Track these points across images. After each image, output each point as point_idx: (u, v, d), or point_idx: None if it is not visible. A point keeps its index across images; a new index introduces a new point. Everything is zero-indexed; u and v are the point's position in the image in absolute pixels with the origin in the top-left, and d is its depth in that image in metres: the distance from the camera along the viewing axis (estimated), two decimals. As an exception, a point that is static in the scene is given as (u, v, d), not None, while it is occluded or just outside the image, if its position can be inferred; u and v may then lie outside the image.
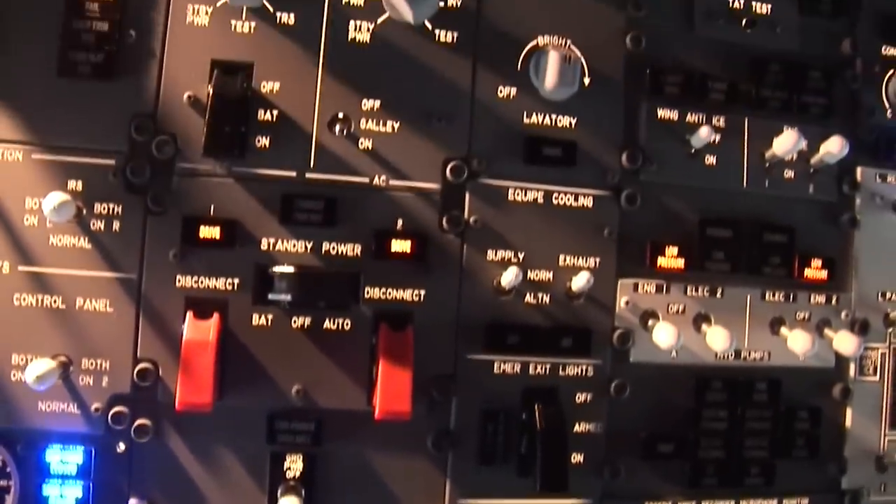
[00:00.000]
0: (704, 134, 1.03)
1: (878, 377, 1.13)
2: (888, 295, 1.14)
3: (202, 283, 0.94)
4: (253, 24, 0.97)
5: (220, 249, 0.94)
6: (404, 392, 0.91)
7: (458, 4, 1.01)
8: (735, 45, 1.10)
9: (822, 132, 1.08)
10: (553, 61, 0.98)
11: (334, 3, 0.99)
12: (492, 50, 1.02)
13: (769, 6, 1.11)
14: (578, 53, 1.02)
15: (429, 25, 1.00)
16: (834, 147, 1.05)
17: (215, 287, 0.94)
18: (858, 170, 1.13)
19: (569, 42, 1.03)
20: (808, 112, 1.11)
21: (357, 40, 0.99)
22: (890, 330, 1.14)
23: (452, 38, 1.01)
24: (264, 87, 0.96)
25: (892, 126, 1.15)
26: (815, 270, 1.11)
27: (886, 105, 1.15)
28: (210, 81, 0.94)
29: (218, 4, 0.96)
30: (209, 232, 0.94)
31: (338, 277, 0.95)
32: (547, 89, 0.99)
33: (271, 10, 0.97)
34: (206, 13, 0.96)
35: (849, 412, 1.12)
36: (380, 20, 0.99)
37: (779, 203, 1.10)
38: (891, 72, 1.15)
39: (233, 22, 0.97)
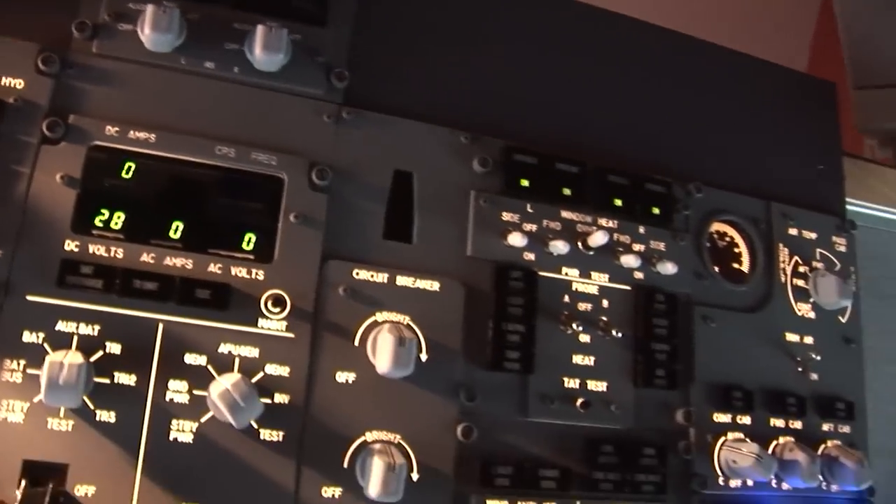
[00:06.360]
0: (531, 534, 1.03)
1: None
2: None
3: None
4: (71, 422, 0.93)
5: None
6: None
7: (286, 401, 1.01)
8: (570, 427, 1.12)
9: (655, 508, 1.10)
10: (378, 468, 0.97)
11: (157, 400, 0.96)
12: (318, 448, 1.01)
13: (605, 384, 1.14)
14: (404, 459, 0.99)
15: (254, 424, 0.98)
16: (661, 535, 1.07)
17: None
18: (691, 541, 1.15)
19: (398, 438, 1.04)
20: (640, 490, 1.12)
21: (178, 440, 0.96)
22: None
23: (278, 436, 0.99)
24: (78, 490, 0.92)
25: (724, 494, 1.18)
26: None
27: (718, 473, 1.18)
28: (19, 484, 0.89)
29: (34, 400, 0.93)
30: None
31: None
32: (372, 496, 0.97)
33: (91, 407, 0.94)
34: (22, 410, 0.92)
35: None
36: (203, 419, 0.97)
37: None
38: (721, 439, 1.19)
39: (49, 420, 0.93)
